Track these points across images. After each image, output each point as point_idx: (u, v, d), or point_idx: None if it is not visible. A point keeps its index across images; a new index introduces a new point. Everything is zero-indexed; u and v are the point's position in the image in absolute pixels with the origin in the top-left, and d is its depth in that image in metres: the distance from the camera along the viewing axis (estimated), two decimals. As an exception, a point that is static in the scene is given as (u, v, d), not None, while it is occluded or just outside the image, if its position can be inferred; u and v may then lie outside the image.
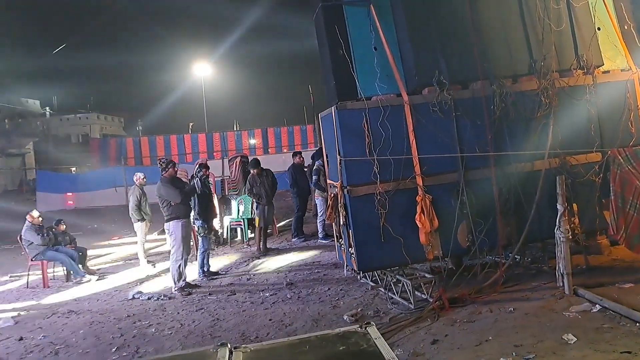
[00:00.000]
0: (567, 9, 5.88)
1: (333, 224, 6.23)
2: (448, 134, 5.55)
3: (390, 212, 5.42)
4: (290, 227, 10.40)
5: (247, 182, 9.20)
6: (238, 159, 11.56)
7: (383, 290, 5.78)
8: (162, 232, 11.04)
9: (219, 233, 10.20)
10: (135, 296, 6.84)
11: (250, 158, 10.95)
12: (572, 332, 3.96)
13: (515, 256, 5.83)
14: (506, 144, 5.62)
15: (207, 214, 7.69)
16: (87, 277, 8.28)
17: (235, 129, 36.55)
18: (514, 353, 3.77)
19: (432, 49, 5.63)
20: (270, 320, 5.40)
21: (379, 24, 5.75)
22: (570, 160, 5.68)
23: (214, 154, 31.76)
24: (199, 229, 7.59)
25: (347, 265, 6.46)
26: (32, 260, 8.23)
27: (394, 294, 5.53)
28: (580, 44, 5.86)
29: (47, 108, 53.72)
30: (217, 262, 8.54)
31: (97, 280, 8.26)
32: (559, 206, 4.93)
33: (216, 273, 7.75)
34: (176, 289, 6.87)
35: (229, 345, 2.68)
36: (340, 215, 5.62)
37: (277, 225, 11.13)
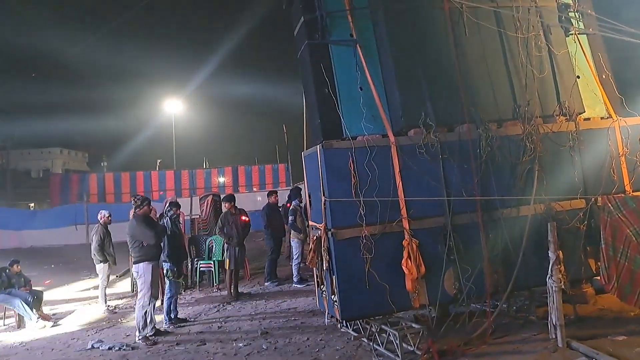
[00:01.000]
0: (549, 56, 5.99)
1: (314, 268, 5.90)
2: (435, 176, 5.42)
3: (376, 256, 5.18)
4: (263, 270, 9.96)
5: (219, 220, 8.80)
6: (210, 198, 11.18)
7: (366, 340, 5.44)
8: (125, 273, 10.43)
9: (188, 276, 9.66)
10: (95, 345, 6.23)
11: (222, 196, 10.56)
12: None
13: (503, 305, 5.63)
14: (493, 188, 5.52)
15: (176, 256, 7.23)
16: (42, 323, 7.57)
17: (204, 167, 35.96)
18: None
19: (418, 91, 5.57)
20: (245, 374, 4.96)
21: (365, 63, 5.68)
22: (555, 207, 5.62)
23: (182, 191, 31.07)
24: (167, 272, 7.09)
25: (328, 313, 6.10)
26: (-20, 304, 7.50)
27: (379, 344, 5.19)
28: (562, 91, 5.94)
29: (6, 141, 51.83)
30: (185, 308, 8.00)
31: (52, 326, 7.56)
32: (550, 254, 4.80)
33: (184, 320, 7.22)
34: (140, 337, 6.31)
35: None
36: (324, 259, 5.32)
37: (249, 268, 10.65)
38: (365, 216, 5.18)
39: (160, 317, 7.02)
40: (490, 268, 5.37)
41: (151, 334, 6.36)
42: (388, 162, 5.36)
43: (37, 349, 6.48)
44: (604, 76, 6.21)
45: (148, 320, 6.39)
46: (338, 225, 5.18)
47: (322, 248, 5.28)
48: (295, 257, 9.17)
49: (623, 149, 5.86)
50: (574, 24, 6.29)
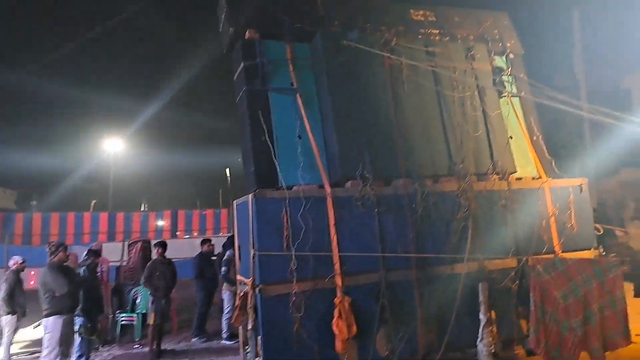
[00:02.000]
0: (483, 116, 6.14)
1: (240, 327, 5.48)
2: (370, 231, 5.25)
3: (306, 315, 4.86)
4: (192, 324, 9.28)
5: (147, 269, 8.15)
6: (139, 244, 10.37)
7: (293, 407, 5.01)
8: (37, 326, 9.43)
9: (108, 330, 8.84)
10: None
11: (154, 242, 9.89)
12: None
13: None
14: (428, 244, 5.42)
15: (92, 310, 6.57)
16: None
17: (142, 209, 34.45)
18: None
19: (357, 143, 5.50)
20: None
21: (305, 112, 5.57)
22: (488, 265, 5.58)
23: (116, 235, 29.39)
24: (80, 327, 6.38)
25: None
26: None
27: (306, 412, 4.79)
28: (495, 150, 6.07)
29: None
30: (98, 367, 7.23)
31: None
32: (481, 315, 4.71)
33: (95, 381, 6.49)
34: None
35: None
36: (250, 317, 4.93)
37: (177, 320, 9.91)
38: (296, 271, 4.88)
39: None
40: (423, 328, 5.19)
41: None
42: (323, 214, 5.14)
43: None
44: (534, 138, 6.44)
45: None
46: (267, 280, 4.84)
47: (249, 305, 4.91)
48: (226, 310, 8.60)
49: (553, 209, 5.99)
50: (506, 87, 6.55)
